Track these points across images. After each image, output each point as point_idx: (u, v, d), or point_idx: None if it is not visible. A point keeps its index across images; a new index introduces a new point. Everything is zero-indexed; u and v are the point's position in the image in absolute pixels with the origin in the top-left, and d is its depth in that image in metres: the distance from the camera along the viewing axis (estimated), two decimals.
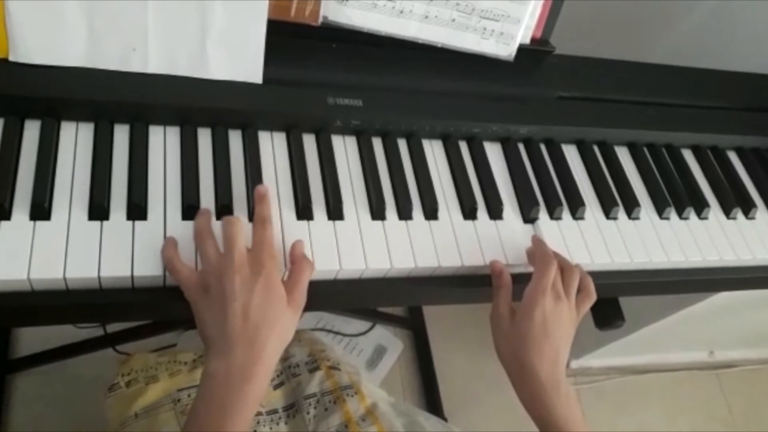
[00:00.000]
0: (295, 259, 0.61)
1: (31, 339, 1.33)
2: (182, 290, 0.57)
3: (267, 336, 0.55)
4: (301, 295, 0.59)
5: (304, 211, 0.66)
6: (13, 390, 1.28)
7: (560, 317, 0.65)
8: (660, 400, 1.69)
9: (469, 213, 0.72)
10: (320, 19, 0.74)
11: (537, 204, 0.75)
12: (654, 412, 1.67)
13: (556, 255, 0.69)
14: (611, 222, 0.78)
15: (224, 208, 0.63)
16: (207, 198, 0.64)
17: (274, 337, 0.56)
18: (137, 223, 0.60)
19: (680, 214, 0.81)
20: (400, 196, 0.70)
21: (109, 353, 1.22)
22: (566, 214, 0.77)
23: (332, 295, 0.67)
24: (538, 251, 0.69)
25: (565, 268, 0.69)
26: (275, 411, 0.79)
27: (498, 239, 0.71)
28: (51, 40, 0.63)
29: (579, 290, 0.69)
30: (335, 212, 0.67)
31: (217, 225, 0.60)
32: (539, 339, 0.64)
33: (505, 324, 0.66)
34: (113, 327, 1.23)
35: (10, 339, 1.33)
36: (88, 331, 1.26)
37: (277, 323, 0.56)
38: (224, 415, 0.53)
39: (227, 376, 0.54)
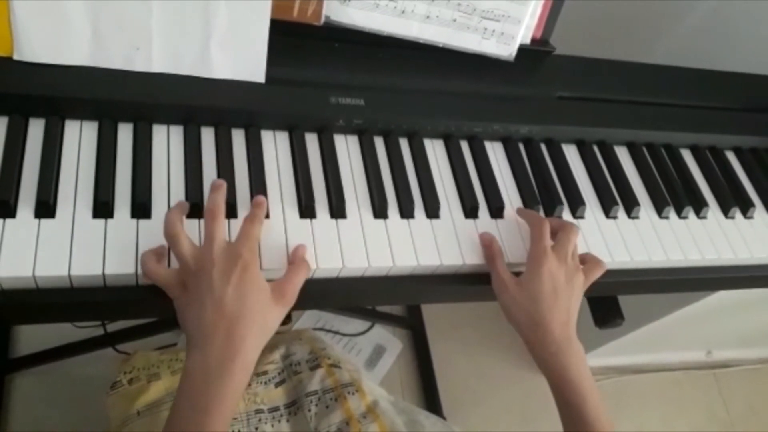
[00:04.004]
0: (294, 260, 0.62)
1: (31, 338, 1.33)
2: (164, 290, 0.57)
3: (246, 329, 0.55)
4: (291, 293, 0.59)
5: (307, 210, 0.66)
6: (13, 390, 1.28)
7: (566, 277, 0.66)
8: (658, 400, 1.70)
9: (470, 212, 0.73)
10: (322, 19, 0.75)
11: (538, 203, 0.76)
12: (652, 412, 1.68)
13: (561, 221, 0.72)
14: (611, 221, 0.78)
15: (227, 206, 0.63)
16: None
17: (254, 330, 0.55)
18: (141, 220, 0.61)
19: (679, 213, 0.82)
20: (402, 194, 0.71)
21: (109, 353, 1.22)
22: (566, 213, 0.77)
23: (335, 293, 0.67)
24: (528, 216, 0.72)
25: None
26: (277, 408, 0.79)
27: (499, 237, 0.71)
28: (55, 40, 0.63)
29: (585, 261, 0.71)
30: (338, 211, 0.67)
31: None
32: (550, 297, 0.65)
33: (511, 289, 0.67)
34: (113, 326, 1.23)
35: (10, 338, 1.33)
36: (88, 330, 1.26)
37: (257, 316, 0.56)
38: (202, 410, 0.53)
39: (205, 369, 0.53)
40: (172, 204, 0.63)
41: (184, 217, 0.60)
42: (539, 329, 0.66)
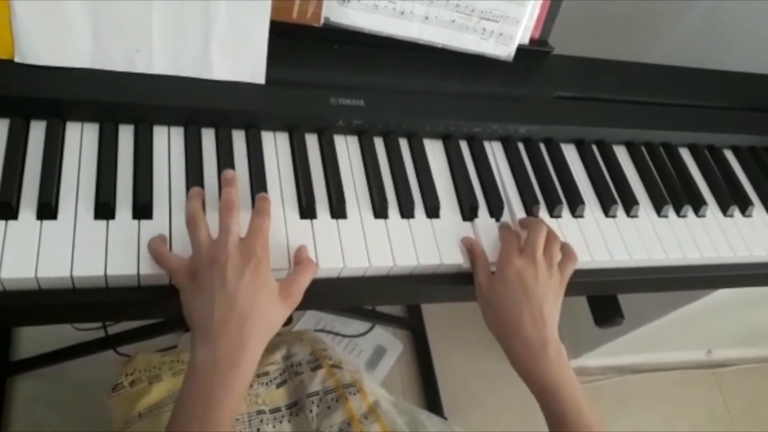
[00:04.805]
0: (300, 260, 0.62)
1: (31, 341, 1.33)
2: (171, 277, 0.58)
3: (253, 325, 0.55)
4: (298, 292, 0.59)
5: (307, 210, 0.66)
6: (13, 392, 1.28)
7: (537, 279, 0.66)
8: (658, 399, 1.70)
9: (470, 211, 0.73)
10: (322, 21, 0.75)
11: (537, 202, 0.76)
12: (652, 412, 1.68)
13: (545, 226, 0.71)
14: (610, 220, 0.79)
15: None
16: (211, 197, 0.64)
17: (261, 327, 0.56)
18: (143, 221, 0.61)
19: (678, 212, 0.82)
20: (402, 194, 0.71)
21: (109, 355, 1.22)
22: (566, 212, 0.77)
23: (336, 293, 0.67)
24: (502, 223, 0.73)
25: (549, 235, 0.70)
26: (278, 409, 0.79)
27: (498, 237, 0.72)
28: (56, 42, 0.63)
29: (562, 254, 0.70)
30: (338, 211, 0.68)
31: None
32: (518, 298, 0.65)
33: (485, 290, 0.67)
34: (114, 329, 1.23)
35: (11, 341, 1.33)
36: (89, 333, 1.26)
37: (265, 314, 0.56)
38: (209, 404, 0.53)
39: (213, 363, 0.53)
40: (174, 205, 0.63)
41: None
42: (511, 331, 0.65)
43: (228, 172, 0.62)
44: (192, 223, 0.58)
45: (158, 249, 0.57)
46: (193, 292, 0.56)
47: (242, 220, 0.62)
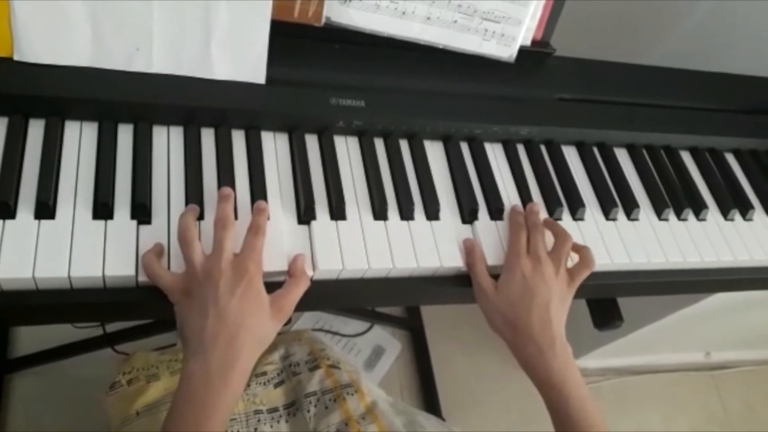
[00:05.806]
0: (294, 272, 0.62)
1: (30, 339, 1.32)
2: (165, 293, 0.58)
3: (245, 340, 0.56)
4: (288, 306, 0.60)
5: (306, 212, 0.66)
6: (11, 390, 1.28)
7: (543, 277, 0.66)
8: (657, 401, 1.70)
9: (470, 213, 0.73)
10: (323, 20, 0.74)
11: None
12: (651, 414, 1.68)
13: (550, 223, 0.73)
14: (610, 223, 0.78)
15: None
16: (210, 197, 0.64)
17: (252, 342, 0.57)
18: (141, 222, 0.61)
19: (678, 215, 0.82)
20: (402, 196, 0.71)
21: (107, 353, 1.21)
22: (566, 215, 0.77)
23: (334, 295, 0.67)
24: (510, 219, 0.73)
25: (557, 234, 0.71)
26: (276, 409, 0.79)
27: (499, 239, 0.72)
28: (55, 40, 0.63)
29: (579, 257, 0.71)
30: (338, 212, 0.67)
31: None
32: (525, 298, 0.65)
33: (490, 294, 0.67)
34: (112, 327, 1.23)
35: (9, 339, 1.32)
36: (87, 330, 1.26)
37: (256, 329, 0.57)
38: (202, 416, 0.54)
39: (206, 376, 0.55)
40: (172, 205, 0.63)
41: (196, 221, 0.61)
42: (518, 332, 0.66)
43: (224, 189, 0.63)
44: (184, 240, 0.58)
45: (152, 266, 0.57)
46: (188, 308, 0.57)
47: (240, 222, 0.62)
